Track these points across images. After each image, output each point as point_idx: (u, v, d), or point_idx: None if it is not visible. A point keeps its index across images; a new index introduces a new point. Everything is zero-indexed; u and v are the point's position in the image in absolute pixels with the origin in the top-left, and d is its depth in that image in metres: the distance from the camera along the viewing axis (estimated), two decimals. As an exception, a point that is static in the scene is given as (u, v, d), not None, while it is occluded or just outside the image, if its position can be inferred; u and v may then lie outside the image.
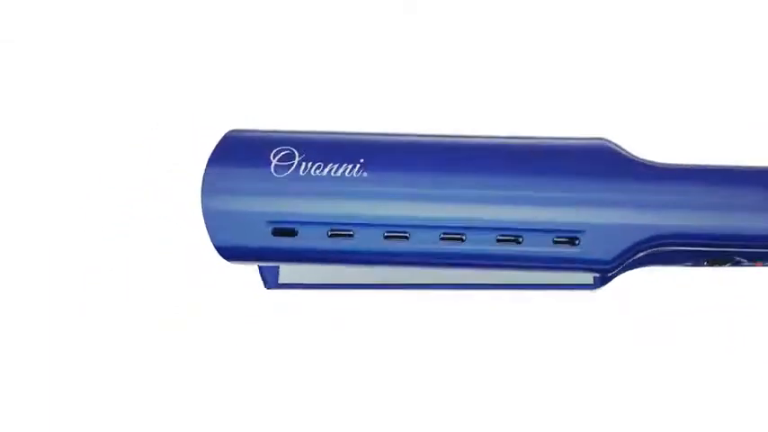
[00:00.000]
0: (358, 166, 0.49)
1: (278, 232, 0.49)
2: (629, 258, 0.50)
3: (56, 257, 0.58)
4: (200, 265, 0.55)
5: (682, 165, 0.51)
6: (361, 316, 0.55)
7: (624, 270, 0.53)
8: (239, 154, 0.50)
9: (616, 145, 0.51)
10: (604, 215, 0.48)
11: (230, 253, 0.50)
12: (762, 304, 0.54)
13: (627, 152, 0.51)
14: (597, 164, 0.50)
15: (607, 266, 0.50)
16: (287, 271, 0.57)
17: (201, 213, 0.49)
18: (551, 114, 0.60)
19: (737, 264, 0.54)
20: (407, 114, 0.60)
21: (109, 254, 0.58)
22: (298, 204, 0.48)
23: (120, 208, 0.59)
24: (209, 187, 0.49)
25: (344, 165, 0.49)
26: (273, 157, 0.49)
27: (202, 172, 0.50)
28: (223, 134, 0.51)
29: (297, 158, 0.49)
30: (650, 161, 0.51)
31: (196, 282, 0.56)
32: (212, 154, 0.50)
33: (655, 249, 0.50)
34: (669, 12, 0.60)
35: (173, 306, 0.56)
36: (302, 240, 0.49)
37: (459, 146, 0.51)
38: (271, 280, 0.57)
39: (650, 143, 0.54)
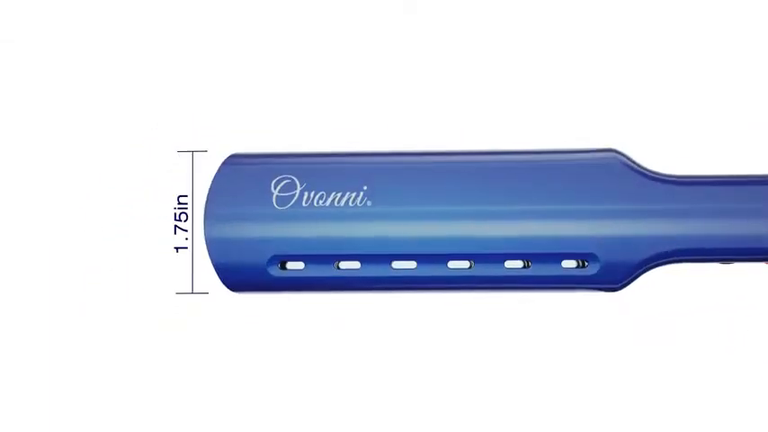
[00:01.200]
0: (361, 194, 0.48)
1: (285, 265, 0.49)
2: (639, 276, 0.49)
3: (52, 257, 0.57)
4: (193, 263, 0.55)
5: (691, 177, 0.50)
6: (360, 314, 0.55)
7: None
8: (240, 185, 0.49)
9: (626, 157, 0.50)
10: (614, 240, 0.48)
11: (237, 286, 0.49)
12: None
13: (636, 165, 0.50)
14: (606, 186, 0.48)
15: (617, 287, 0.49)
16: None
17: (205, 245, 0.48)
18: (557, 116, 0.58)
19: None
20: (408, 117, 0.58)
21: (106, 254, 0.57)
22: (303, 238, 0.48)
23: (116, 209, 0.58)
24: (212, 221, 0.48)
25: (347, 193, 0.48)
26: (275, 188, 0.48)
27: (204, 193, 0.49)
28: (222, 161, 0.50)
29: (298, 188, 0.48)
30: (659, 174, 0.49)
31: (190, 281, 0.56)
32: (212, 185, 0.49)
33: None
34: (676, 18, 0.58)
35: (169, 307, 0.56)
36: (309, 272, 0.48)
37: (463, 168, 0.49)
38: None
39: (658, 147, 0.54)
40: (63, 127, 0.59)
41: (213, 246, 0.48)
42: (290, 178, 0.48)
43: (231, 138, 0.57)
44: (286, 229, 0.48)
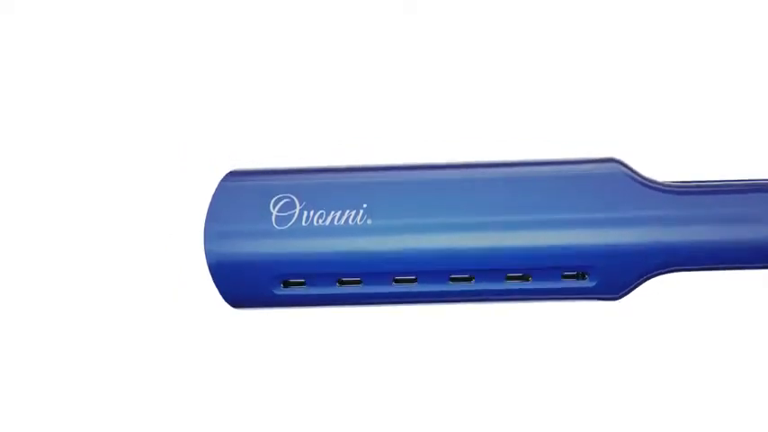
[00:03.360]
0: (361, 212, 0.47)
1: (287, 283, 0.49)
2: (639, 285, 0.49)
3: (71, 263, 0.58)
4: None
5: (689, 187, 0.49)
6: (361, 320, 0.55)
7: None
8: (239, 204, 0.48)
9: (626, 168, 0.49)
10: (613, 251, 0.47)
11: (239, 303, 0.50)
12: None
13: (636, 175, 0.49)
14: (606, 198, 0.48)
15: (616, 296, 0.49)
16: None
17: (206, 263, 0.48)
18: (555, 117, 0.57)
19: None
20: (407, 117, 0.58)
21: (125, 262, 0.57)
22: (304, 257, 0.47)
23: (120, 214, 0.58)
24: (212, 240, 0.48)
25: (347, 212, 0.47)
26: (273, 207, 0.48)
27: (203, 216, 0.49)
28: (219, 180, 0.50)
29: (297, 207, 0.48)
30: (657, 183, 0.49)
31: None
32: (212, 202, 0.48)
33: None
34: (669, 25, 0.57)
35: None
36: (311, 289, 0.48)
37: (463, 182, 0.49)
38: None
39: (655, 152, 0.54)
40: (91, 140, 0.59)
41: (214, 264, 0.48)
42: (288, 197, 0.48)
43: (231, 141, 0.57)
44: (286, 249, 0.47)
